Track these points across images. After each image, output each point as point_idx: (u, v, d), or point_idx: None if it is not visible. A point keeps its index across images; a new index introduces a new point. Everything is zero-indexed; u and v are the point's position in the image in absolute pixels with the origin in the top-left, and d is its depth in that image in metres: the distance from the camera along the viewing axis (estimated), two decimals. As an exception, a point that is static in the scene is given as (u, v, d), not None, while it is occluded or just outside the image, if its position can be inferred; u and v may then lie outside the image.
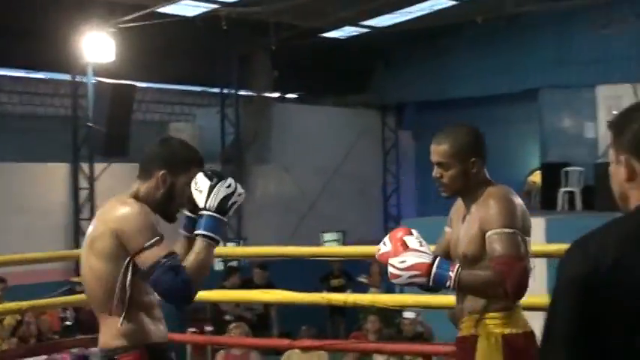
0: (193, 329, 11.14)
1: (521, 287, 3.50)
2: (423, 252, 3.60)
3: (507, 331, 3.66)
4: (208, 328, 11.90)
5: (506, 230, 3.54)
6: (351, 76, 18.82)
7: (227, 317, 11.95)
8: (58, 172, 14.84)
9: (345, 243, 18.10)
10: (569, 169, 15.60)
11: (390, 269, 3.62)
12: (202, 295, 5.01)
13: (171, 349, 3.83)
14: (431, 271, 3.54)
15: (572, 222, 11.98)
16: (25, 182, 14.11)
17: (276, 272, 12.56)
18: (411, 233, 3.72)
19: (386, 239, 3.77)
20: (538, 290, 4.64)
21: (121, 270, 3.47)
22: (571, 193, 14.84)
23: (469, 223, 3.72)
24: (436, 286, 3.59)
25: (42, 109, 15.63)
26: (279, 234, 15.86)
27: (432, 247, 3.83)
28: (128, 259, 3.46)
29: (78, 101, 14.95)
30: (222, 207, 3.55)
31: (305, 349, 8.53)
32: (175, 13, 14.65)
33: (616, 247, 1.96)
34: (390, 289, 18.31)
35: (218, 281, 12.33)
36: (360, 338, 10.00)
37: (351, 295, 8.57)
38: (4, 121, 14.74)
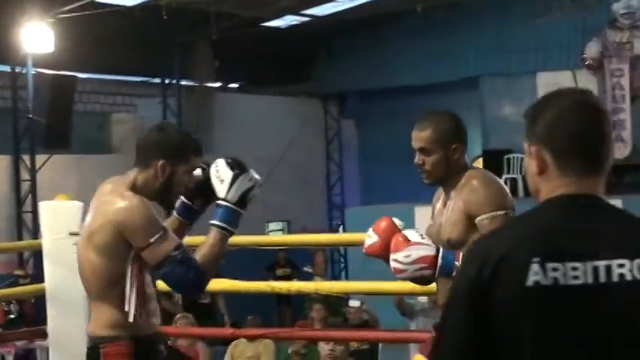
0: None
1: None
2: (426, 244, 3.59)
3: None
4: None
5: (499, 212, 3.53)
6: (292, 65, 18.80)
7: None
8: (-2, 164, 14.71)
9: (289, 232, 18.13)
10: (511, 155, 15.69)
11: (394, 264, 3.61)
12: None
13: (161, 340, 3.80)
14: (436, 262, 3.55)
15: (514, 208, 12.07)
16: (-35, 175, 13.98)
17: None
18: (393, 222, 3.73)
19: (370, 232, 3.77)
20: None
21: (122, 264, 3.46)
22: (513, 179, 14.95)
23: (451, 208, 3.68)
24: (442, 276, 3.59)
25: (-19, 100, 15.46)
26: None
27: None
28: (132, 254, 3.45)
29: (18, 92, 14.77)
30: (243, 200, 3.54)
31: (251, 339, 8.54)
32: (115, 2, 14.50)
33: (507, 245, 1.83)
34: (335, 278, 18.44)
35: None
36: (306, 327, 10.01)
37: (295, 283, 8.58)
38: (-56, 113, 14.57)
